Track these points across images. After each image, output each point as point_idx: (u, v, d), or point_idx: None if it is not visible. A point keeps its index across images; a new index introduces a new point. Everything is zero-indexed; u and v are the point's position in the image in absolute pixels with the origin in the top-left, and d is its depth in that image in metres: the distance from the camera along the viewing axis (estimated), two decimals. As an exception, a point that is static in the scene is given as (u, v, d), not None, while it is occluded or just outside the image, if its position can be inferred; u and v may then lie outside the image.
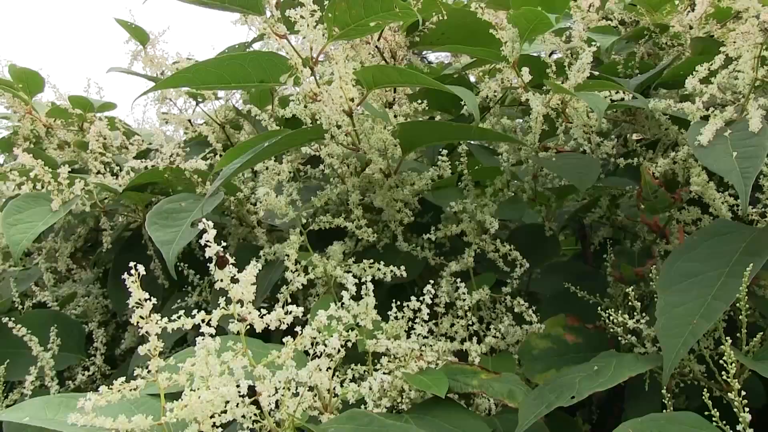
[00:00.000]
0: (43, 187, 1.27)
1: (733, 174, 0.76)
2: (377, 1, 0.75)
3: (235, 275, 0.58)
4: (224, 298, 0.59)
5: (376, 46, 1.23)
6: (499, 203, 1.06)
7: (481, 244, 1.01)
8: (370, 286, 0.75)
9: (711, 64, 0.88)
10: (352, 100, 0.88)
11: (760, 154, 0.76)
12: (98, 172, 1.37)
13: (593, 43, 1.47)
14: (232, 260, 0.58)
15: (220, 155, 1.37)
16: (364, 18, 0.77)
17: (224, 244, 0.60)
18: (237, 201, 1.18)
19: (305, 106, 0.97)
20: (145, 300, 0.59)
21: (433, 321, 0.91)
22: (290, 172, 1.19)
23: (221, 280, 0.57)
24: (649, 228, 1.07)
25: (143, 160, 1.48)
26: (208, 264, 0.60)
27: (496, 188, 1.05)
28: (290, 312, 0.61)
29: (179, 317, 0.60)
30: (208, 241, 0.57)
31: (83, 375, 1.31)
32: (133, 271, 0.57)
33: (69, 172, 1.26)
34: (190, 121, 1.65)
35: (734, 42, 1.33)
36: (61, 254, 1.47)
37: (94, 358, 1.32)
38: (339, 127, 0.91)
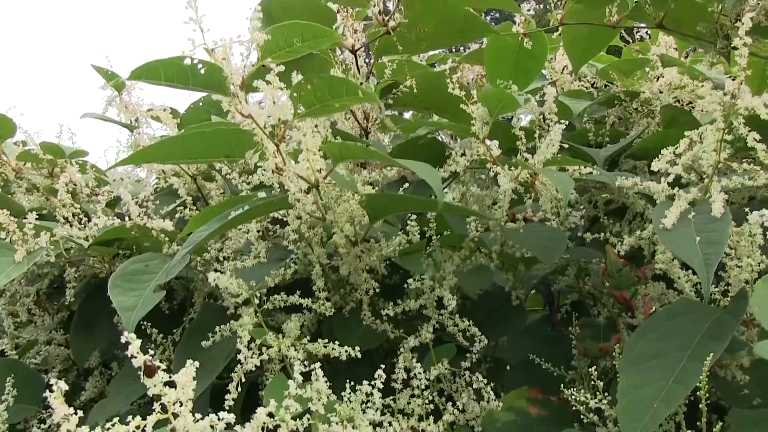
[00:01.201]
0: (7, 236, 1.25)
1: (695, 260, 0.76)
2: (342, 85, 0.76)
3: (171, 378, 0.57)
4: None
5: (354, 117, 1.24)
6: (465, 270, 1.07)
7: (440, 318, 1.01)
8: (320, 372, 0.75)
9: (676, 148, 0.90)
10: (320, 171, 0.88)
11: (722, 240, 0.77)
12: (66, 222, 1.35)
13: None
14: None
15: (190, 209, 1.37)
16: (329, 99, 0.77)
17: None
18: (204, 261, 1.17)
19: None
20: (71, 414, 0.57)
21: (390, 397, 0.91)
22: (259, 231, 1.18)
23: (154, 386, 0.56)
24: (616, 299, 1.08)
25: (112, 211, 1.47)
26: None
27: (463, 256, 1.05)
28: (222, 419, 0.60)
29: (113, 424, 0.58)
30: (133, 354, 0.56)
31: (39, 428, 1.28)
32: (54, 388, 0.55)
33: (36, 218, 1.24)
34: (163, 171, 1.64)
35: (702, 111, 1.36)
36: (23, 300, 1.45)
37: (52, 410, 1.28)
38: (307, 192, 0.91)
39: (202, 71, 0.75)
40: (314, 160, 0.87)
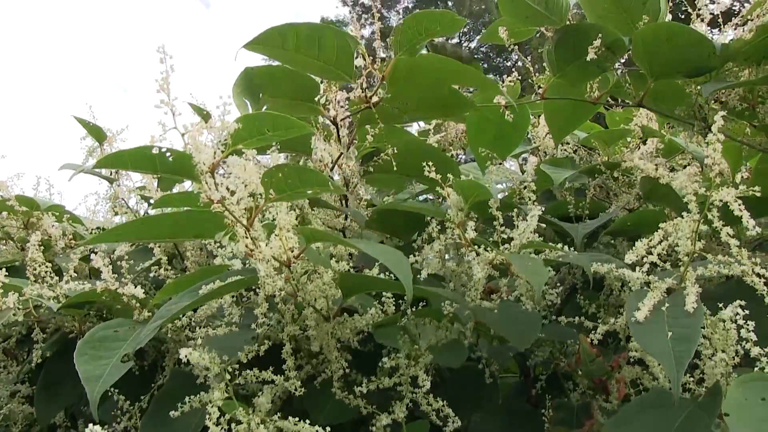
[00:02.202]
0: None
1: (665, 358, 0.76)
2: (312, 175, 0.76)
3: None
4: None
5: (330, 175, 1.23)
6: (439, 345, 1.05)
7: (414, 396, 0.99)
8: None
9: (650, 240, 0.90)
10: (292, 250, 0.87)
11: (694, 337, 0.76)
12: (36, 280, 1.33)
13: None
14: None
15: (165, 269, 1.35)
16: (300, 187, 0.77)
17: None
18: (175, 327, 1.15)
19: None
20: None
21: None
22: (232, 296, 1.17)
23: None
24: (590, 381, 1.06)
25: (87, 264, 1.45)
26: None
27: (438, 333, 1.04)
28: None
29: None
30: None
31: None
32: None
33: (6, 273, 1.22)
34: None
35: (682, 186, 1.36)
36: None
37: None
38: (279, 270, 0.90)
39: (170, 158, 0.75)
40: (287, 238, 0.86)
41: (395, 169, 1.21)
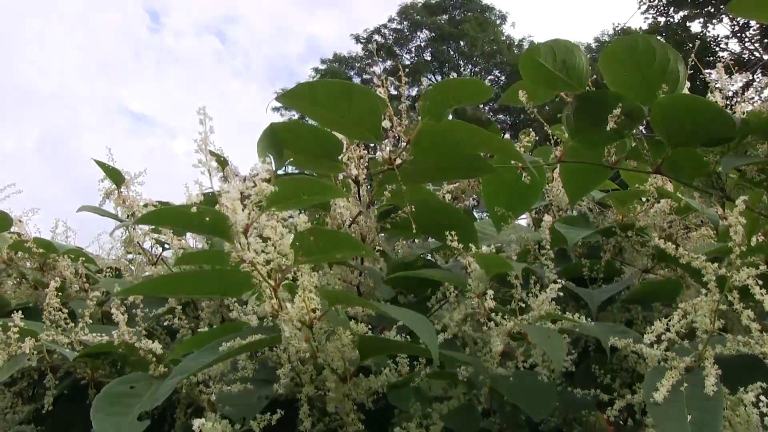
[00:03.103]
0: (-10, 338, 1.23)
1: (685, 443, 0.75)
2: (344, 240, 0.77)
3: None
4: None
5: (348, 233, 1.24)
6: (452, 409, 1.05)
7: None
8: None
9: (669, 320, 0.90)
10: (314, 311, 0.88)
11: (715, 425, 0.76)
12: (51, 325, 1.34)
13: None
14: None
15: (179, 318, 1.35)
16: (331, 250, 0.78)
17: None
18: (189, 382, 1.16)
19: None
20: None
21: None
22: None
23: None
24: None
25: (101, 308, 1.45)
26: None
27: (451, 402, 1.04)
28: None
29: None
30: None
31: None
32: None
33: (21, 316, 1.23)
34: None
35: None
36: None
37: None
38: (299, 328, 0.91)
39: (208, 219, 0.76)
40: (309, 300, 0.86)
41: (414, 227, 1.22)
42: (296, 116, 30.24)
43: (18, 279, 1.73)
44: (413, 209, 1.24)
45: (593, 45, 27.23)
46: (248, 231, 0.76)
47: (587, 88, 1.29)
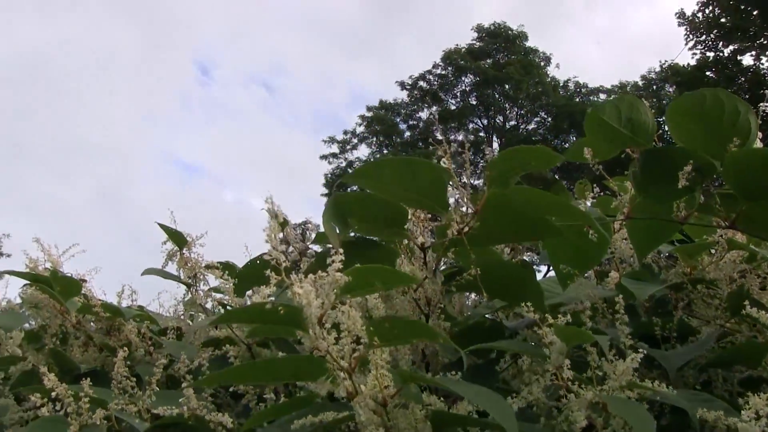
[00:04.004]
0: (62, 408, 1.24)
1: None
2: (421, 328, 0.76)
3: None
4: None
5: (414, 297, 1.23)
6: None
7: None
8: None
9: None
10: (387, 388, 0.86)
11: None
12: (120, 393, 1.34)
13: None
14: None
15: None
16: (407, 337, 0.77)
17: None
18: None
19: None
20: None
21: None
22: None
23: None
24: None
25: (165, 372, 1.45)
26: None
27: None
28: None
29: None
30: None
31: None
32: None
33: (89, 382, 1.24)
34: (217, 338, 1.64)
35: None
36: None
37: None
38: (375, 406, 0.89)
39: (282, 312, 0.75)
40: (383, 378, 0.85)
41: (482, 290, 1.20)
42: (343, 164, 30.64)
43: (85, 341, 1.75)
44: (479, 272, 1.23)
45: (640, 83, 27.06)
46: (322, 320, 0.76)
47: (654, 143, 1.27)
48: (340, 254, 0.74)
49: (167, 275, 1.80)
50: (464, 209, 1.03)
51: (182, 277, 1.83)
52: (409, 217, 1.13)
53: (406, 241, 1.24)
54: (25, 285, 1.71)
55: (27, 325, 1.83)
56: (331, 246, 1.14)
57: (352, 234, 1.22)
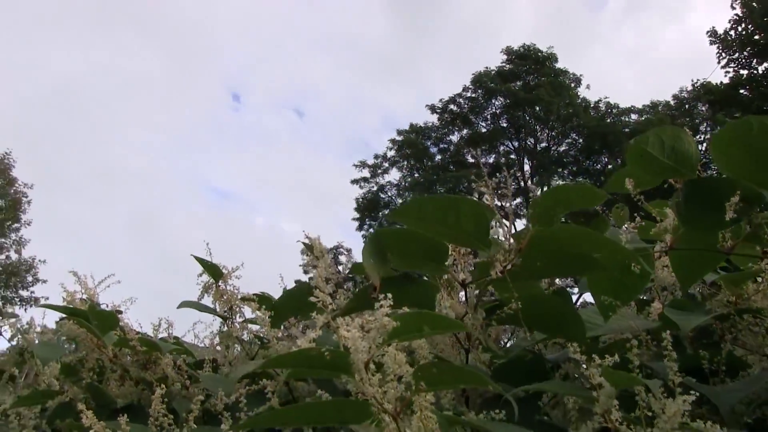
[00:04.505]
0: (99, 445, 1.24)
1: None
2: (468, 375, 0.75)
3: None
4: None
5: (455, 334, 1.22)
6: None
7: None
8: None
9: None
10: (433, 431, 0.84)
11: None
12: (158, 429, 1.34)
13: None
14: None
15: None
16: (453, 383, 0.75)
17: None
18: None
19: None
20: None
21: None
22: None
23: None
24: None
25: (200, 408, 1.45)
26: None
27: None
28: None
29: None
30: None
31: None
32: None
33: (126, 418, 1.23)
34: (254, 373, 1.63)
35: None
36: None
37: None
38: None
39: (328, 357, 0.74)
40: (427, 419, 0.83)
41: (523, 325, 1.18)
42: (374, 188, 30.72)
43: (121, 375, 1.75)
44: (520, 305, 1.21)
45: (672, 103, 26.81)
46: (368, 365, 0.74)
47: (697, 173, 1.24)
48: (389, 300, 0.73)
49: (203, 308, 1.80)
50: (507, 246, 1.02)
51: (218, 310, 1.83)
52: (450, 253, 1.12)
53: (445, 276, 1.23)
54: (62, 318, 1.72)
55: (65, 346, 1.85)
56: (370, 281, 1.13)
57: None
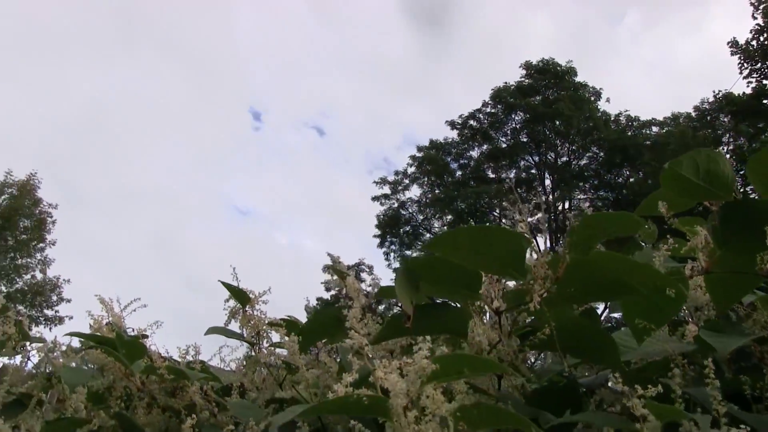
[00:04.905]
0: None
1: None
2: (509, 417, 0.73)
3: None
4: None
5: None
6: None
7: None
8: None
9: None
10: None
11: None
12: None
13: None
14: None
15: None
16: (494, 424, 0.74)
17: None
18: None
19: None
20: None
21: None
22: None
23: None
24: None
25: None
26: None
27: None
28: None
29: None
30: None
31: None
32: None
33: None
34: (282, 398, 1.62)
35: None
36: None
37: None
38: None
39: (367, 402, 0.73)
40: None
41: (558, 350, 1.16)
42: (395, 205, 30.68)
43: (149, 402, 1.74)
44: (554, 331, 1.19)
45: (693, 114, 26.57)
46: (407, 409, 0.73)
47: (734, 195, 1.22)
48: (427, 342, 0.72)
49: (231, 334, 1.79)
50: (543, 274, 1.00)
51: (245, 335, 1.82)
52: (483, 281, 1.10)
53: (477, 302, 1.21)
54: (91, 346, 1.72)
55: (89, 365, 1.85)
56: (401, 309, 1.11)
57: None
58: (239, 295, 1.80)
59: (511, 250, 0.98)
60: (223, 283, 1.79)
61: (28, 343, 2.03)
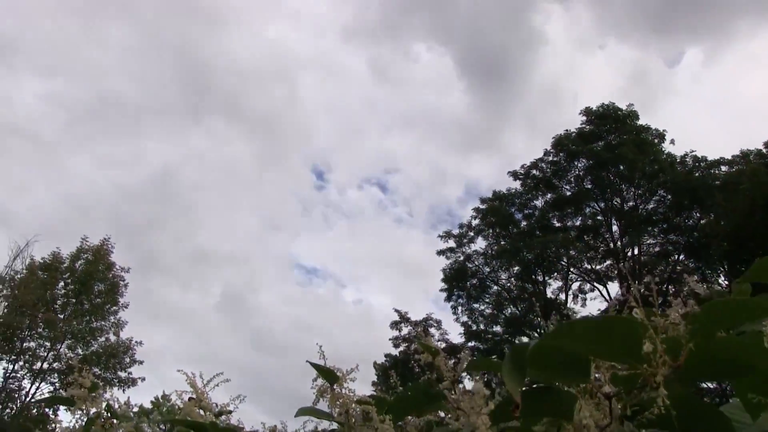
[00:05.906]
0: None
1: None
2: None
3: None
4: None
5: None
6: None
7: None
8: None
9: None
10: None
11: None
12: None
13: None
14: None
15: None
16: None
17: None
18: None
19: None
20: None
21: None
22: None
23: None
24: None
25: None
26: None
27: None
28: None
29: None
30: None
31: None
32: None
33: None
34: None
35: None
36: None
37: None
38: None
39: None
40: None
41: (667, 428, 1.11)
42: (461, 258, 30.46)
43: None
44: (663, 410, 1.14)
45: (764, 150, 25.80)
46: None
47: None
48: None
49: (320, 414, 1.77)
50: (662, 362, 0.96)
51: (334, 414, 1.80)
52: (593, 368, 1.07)
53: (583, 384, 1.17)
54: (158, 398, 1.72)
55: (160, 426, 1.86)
56: (508, 394, 1.08)
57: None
58: (328, 374, 1.79)
59: (628, 337, 0.94)
60: (312, 364, 1.79)
61: (115, 421, 2.06)
